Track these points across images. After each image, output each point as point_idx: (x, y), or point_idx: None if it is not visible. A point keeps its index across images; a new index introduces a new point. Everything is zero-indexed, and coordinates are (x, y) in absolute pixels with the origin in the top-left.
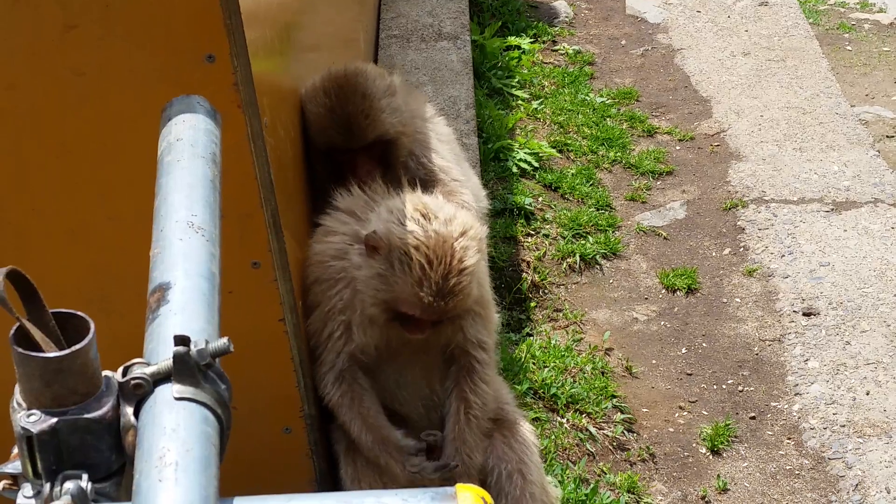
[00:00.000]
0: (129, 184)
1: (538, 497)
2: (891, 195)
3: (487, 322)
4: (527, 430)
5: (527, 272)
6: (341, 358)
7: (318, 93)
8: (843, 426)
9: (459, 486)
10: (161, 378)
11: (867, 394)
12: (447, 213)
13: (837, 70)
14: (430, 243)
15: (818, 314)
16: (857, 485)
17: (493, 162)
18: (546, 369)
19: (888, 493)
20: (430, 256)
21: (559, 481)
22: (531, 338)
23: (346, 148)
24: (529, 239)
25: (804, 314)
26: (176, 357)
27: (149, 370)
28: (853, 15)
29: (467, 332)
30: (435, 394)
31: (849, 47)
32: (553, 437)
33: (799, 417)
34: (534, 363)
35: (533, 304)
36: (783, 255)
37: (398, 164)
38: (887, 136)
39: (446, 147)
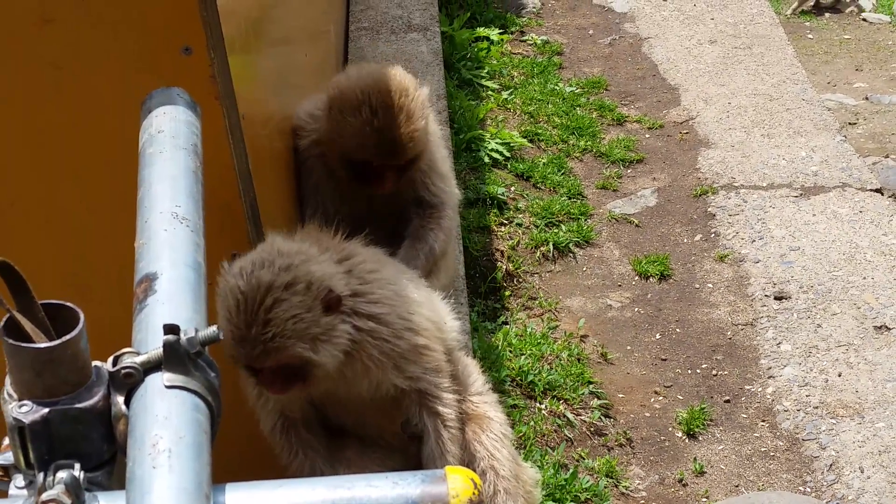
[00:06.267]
0: (107, 175)
1: (512, 491)
2: (857, 179)
3: (420, 356)
4: (498, 421)
5: (501, 261)
6: (271, 415)
7: (361, 106)
8: (817, 408)
9: (449, 468)
10: (151, 367)
11: (839, 375)
12: (289, 261)
13: (799, 58)
14: (242, 287)
15: (789, 298)
16: (831, 465)
17: (465, 152)
18: (523, 357)
19: (861, 472)
20: (238, 302)
21: (539, 466)
22: (507, 326)
23: (381, 163)
24: (503, 228)
25: (776, 298)
26: (166, 346)
27: (139, 359)
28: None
29: (398, 378)
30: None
31: (810, 35)
32: (531, 423)
33: (773, 400)
34: (510, 351)
35: (508, 293)
36: (754, 241)
37: (412, 175)
38: (850, 124)
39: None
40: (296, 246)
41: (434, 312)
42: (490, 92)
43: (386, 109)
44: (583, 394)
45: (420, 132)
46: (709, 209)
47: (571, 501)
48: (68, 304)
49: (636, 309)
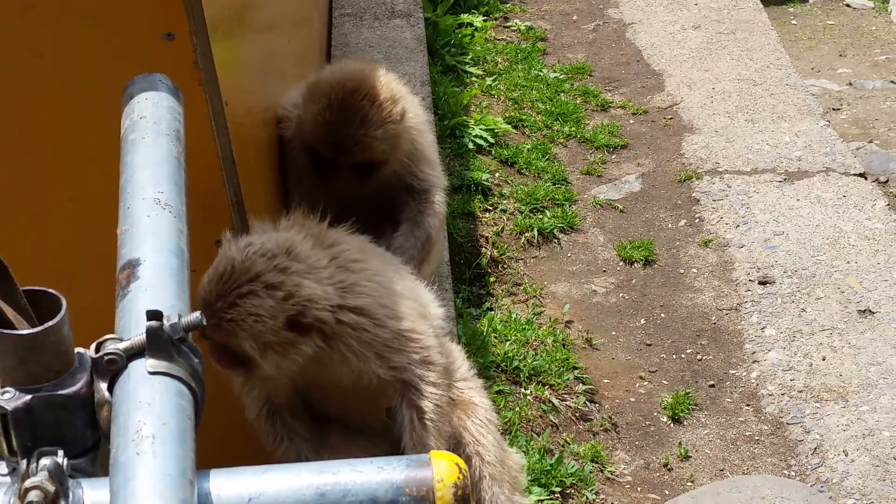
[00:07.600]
0: (90, 163)
1: (497, 477)
2: (841, 164)
3: (406, 343)
4: (483, 407)
5: (485, 247)
6: (256, 402)
7: (322, 98)
8: (801, 392)
9: (434, 452)
10: (134, 353)
11: (823, 359)
12: (288, 265)
13: (783, 44)
14: (236, 262)
15: (773, 282)
16: (815, 448)
17: (449, 139)
18: (508, 342)
19: (846, 455)
20: (224, 271)
21: (524, 452)
22: (492, 312)
23: (332, 158)
24: (487, 214)
25: (760, 283)
26: (149, 332)
27: (122, 345)
28: None
29: (380, 370)
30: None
31: (794, 21)
32: (517, 408)
33: (757, 384)
34: (495, 337)
35: (492, 279)
36: (738, 225)
37: (386, 175)
38: (833, 109)
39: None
40: (307, 253)
41: (418, 302)
42: (474, 78)
43: (342, 108)
44: (568, 379)
45: (373, 140)
46: (693, 194)
47: (557, 486)
48: (50, 290)
49: (621, 294)
